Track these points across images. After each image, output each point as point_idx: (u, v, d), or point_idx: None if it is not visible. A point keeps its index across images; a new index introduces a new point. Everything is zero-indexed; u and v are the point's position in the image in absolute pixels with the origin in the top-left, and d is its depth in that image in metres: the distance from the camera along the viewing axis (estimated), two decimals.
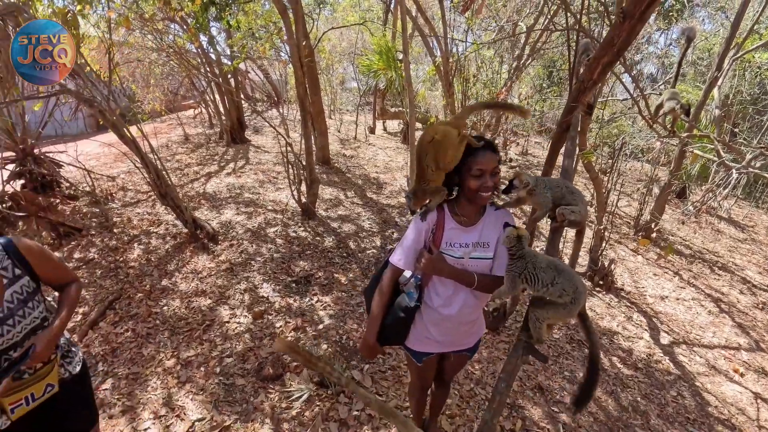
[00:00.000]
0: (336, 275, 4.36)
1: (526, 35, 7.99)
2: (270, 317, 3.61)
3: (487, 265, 1.70)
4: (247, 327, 3.46)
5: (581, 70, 2.16)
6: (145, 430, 2.51)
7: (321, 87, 8.71)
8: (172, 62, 9.00)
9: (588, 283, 4.93)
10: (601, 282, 4.89)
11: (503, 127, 9.41)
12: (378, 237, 5.32)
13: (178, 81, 12.04)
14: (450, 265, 1.65)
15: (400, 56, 7.01)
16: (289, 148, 5.27)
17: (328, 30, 10.54)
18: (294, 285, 4.13)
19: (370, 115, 12.48)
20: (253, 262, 4.43)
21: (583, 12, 2.63)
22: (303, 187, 5.49)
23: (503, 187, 1.77)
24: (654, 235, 6.51)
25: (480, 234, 1.69)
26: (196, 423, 2.55)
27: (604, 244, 5.10)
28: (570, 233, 5.04)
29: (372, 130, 11.93)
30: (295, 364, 3.03)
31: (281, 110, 10.63)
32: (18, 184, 5.13)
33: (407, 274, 1.82)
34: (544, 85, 11.94)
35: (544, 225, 5.51)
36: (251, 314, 3.61)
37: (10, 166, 5.12)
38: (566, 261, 4.82)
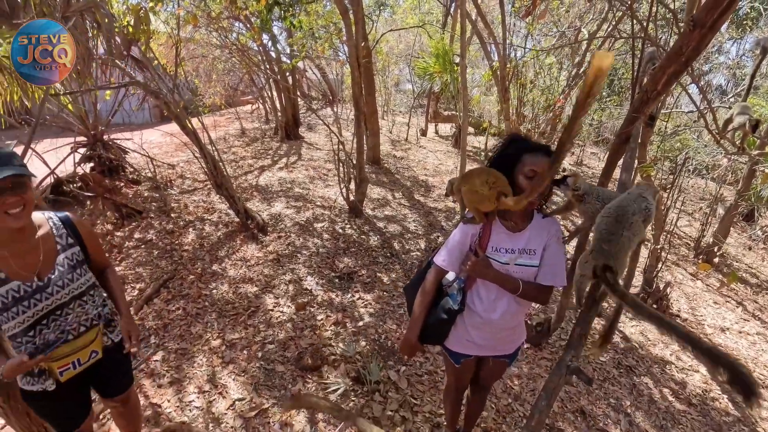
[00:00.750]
0: (379, 274, 4.40)
1: (588, 42, 7.73)
2: (312, 309, 3.69)
3: (533, 273, 1.67)
4: (289, 317, 3.56)
5: (645, 80, 2.07)
6: (190, 402, 2.64)
7: (376, 88, 8.80)
8: (233, 59, 9.41)
9: None
10: (654, 306, 4.63)
11: (557, 135, 9.13)
12: (423, 240, 5.31)
13: (238, 77, 12.56)
14: (495, 270, 1.64)
15: (457, 60, 6.98)
16: (340, 147, 5.37)
17: (386, 32, 10.61)
18: (337, 280, 4.21)
19: (423, 117, 12.46)
20: (299, 254, 4.55)
21: (650, 19, 2.52)
22: (352, 186, 5.58)
23: (558, 177, 1.72)
24: (716, 259, 6.10)
25: (527, 241, 1.66)
26: (237, 402, 2.66)
27: (660, 265, 4.83)
28: None
29: (424, 133, 11.90)
30: (333, 357, 3.09)
31: (335, 109, 10.83)
32: (88, 166, 5.58)
33: (450, 276, 1.81)
34: (603, 93, 11.48)
35: None
36: (294, 305, 3.71)
37: (82, 150, 5.57)
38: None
